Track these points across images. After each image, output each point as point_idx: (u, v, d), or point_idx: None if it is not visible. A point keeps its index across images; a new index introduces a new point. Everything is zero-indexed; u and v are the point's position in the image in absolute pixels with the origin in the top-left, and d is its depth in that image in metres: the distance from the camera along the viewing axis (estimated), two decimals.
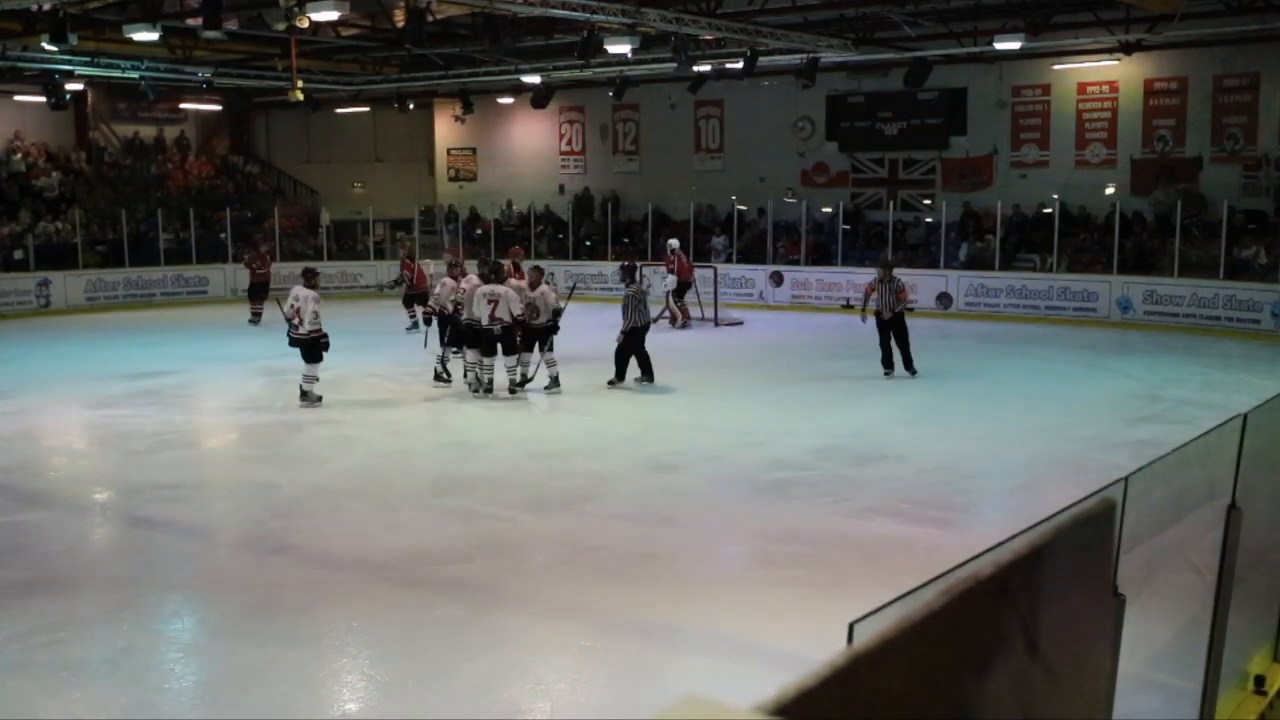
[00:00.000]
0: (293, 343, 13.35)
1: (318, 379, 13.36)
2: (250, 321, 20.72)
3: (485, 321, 13.42)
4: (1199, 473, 3.93)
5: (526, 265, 16.22)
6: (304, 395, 13.27)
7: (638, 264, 16.51)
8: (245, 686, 5.91)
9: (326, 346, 13.28)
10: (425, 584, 7.45)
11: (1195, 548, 4.03)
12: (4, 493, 9.87)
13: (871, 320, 15.03)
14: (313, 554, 8.11)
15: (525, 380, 13.97)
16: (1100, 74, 22.30)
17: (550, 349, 14.09)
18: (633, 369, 14.53)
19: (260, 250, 22.81)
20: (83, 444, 12.54)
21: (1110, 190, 22.25)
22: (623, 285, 15.72)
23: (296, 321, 13.22)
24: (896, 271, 15.68)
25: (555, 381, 14.12)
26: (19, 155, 26.96)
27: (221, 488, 10.46)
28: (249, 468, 11.09)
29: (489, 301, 13.39)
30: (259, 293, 20.83)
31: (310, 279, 13.47)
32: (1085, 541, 1.52)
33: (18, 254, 23.04)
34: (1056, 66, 22.53)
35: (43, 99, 22.87)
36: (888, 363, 14.98)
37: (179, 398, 14.33)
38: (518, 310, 13.36)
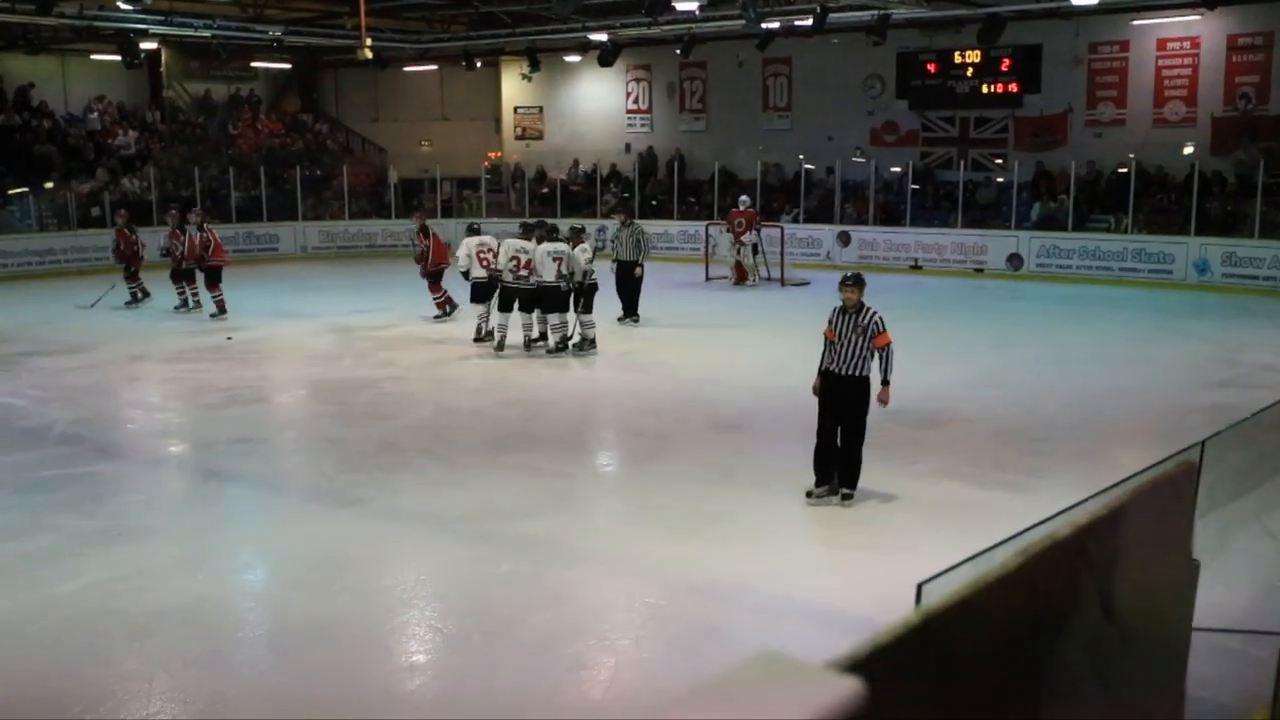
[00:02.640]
0: (532, 294, 13.60)
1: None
2: (128, 301, 17.63)
3: (551, 278, 13.49)
4: (1277, 438, 3.85)
5: (565, 225, 16.24)
6: (584, 344, 13.78)
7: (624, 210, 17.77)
8: (315, 636, 6.02)
9: (595, 288, 13.94)
10: (490, 539, 7.53)
11: (1272, 514, 3.95)
12: (83, 444, 10.11)
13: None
14: (380, 508, 8.23)
15: (567, 341, 13.98)
16: (1181, 29, 21.68)
17: (587, 310, 14.02)
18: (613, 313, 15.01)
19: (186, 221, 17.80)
20: (158, 397, 12.80)
21: (1189, 149, 21.68)
22: (615, 224, 16.91)
23: (525, 273, 13.52)
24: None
25: (589, 343, 14.06)
26: (95, 114, 27.42)
27: (291, 442, 10.63)
28: (318, 423, 11.26)
29: (554, 259, 13.47)
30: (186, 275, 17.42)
31: (541, 231, 13.82)
32: (1162, 505, 1.49)
33: (95, 211, 23.46)
34: (1136, 22, 21.94)
35: (118, 58, 23.21)
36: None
37: (250, 353, 14.55)
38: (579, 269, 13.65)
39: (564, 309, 13.81)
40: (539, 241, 13.76)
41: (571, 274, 13.66)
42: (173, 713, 5.34)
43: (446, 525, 7.82)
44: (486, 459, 9.47)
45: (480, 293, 14.40)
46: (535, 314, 13.87)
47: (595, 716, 5.19)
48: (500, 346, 13.92)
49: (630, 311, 16.12)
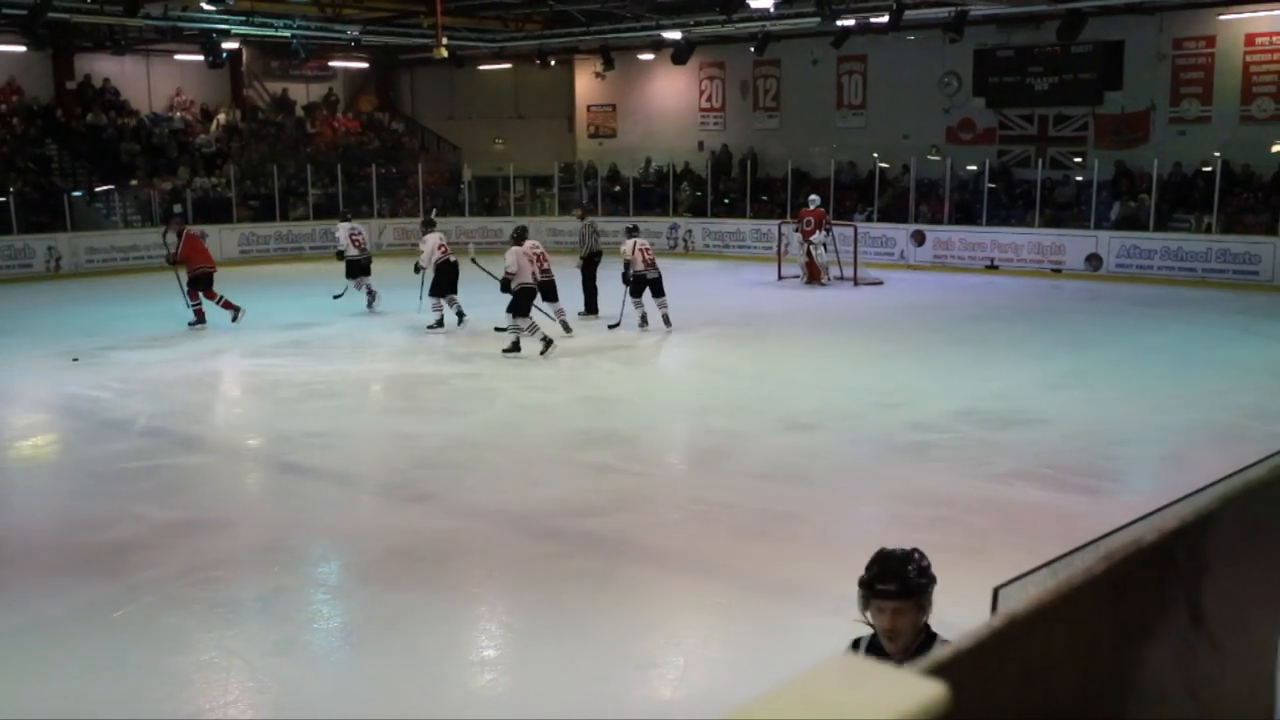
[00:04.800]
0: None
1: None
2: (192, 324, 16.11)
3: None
4: None
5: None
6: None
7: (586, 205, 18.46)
8: (388, 629, 6.09)
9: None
10: (561, 536, 7.56)
11: None
12: (164, 436, 10.33)
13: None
14: (452, 503, 8.30)
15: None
16: (1270, 24, 21.12)
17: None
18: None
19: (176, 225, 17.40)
20: (236, 392, 13.05)
21: (1277, 147, 21.15)
22: (577, 220, 17.71)
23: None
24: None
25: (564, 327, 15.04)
26: (179, 113, 28.02)
27: (366, 437, 10.76)
28: (392, 418, 11.39)
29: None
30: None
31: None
32: (1254, 511, 1.45)
33: (177, 208, 23.98)
34: (1222, 17, 21.44)
35: (200, 58, 23.71)
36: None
37: (326, 349, 14.77)
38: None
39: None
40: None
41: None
42: (250, 701, 5.44)
43: (517, 521, 7.87)
44: (557, 456, 9.52)
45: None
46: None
47: (666, 716, 5.19)
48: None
49: (591, 308, 16.73)
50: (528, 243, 14.32)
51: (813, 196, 21.18)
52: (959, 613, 4.73)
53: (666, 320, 15.36)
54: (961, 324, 16.26)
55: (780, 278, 21.06)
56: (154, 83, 28.19)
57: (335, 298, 17.33)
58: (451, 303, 15.82)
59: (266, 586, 6.68)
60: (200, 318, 15.98)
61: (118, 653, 5.79)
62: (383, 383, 13.25)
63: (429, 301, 15.85)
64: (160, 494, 8.52)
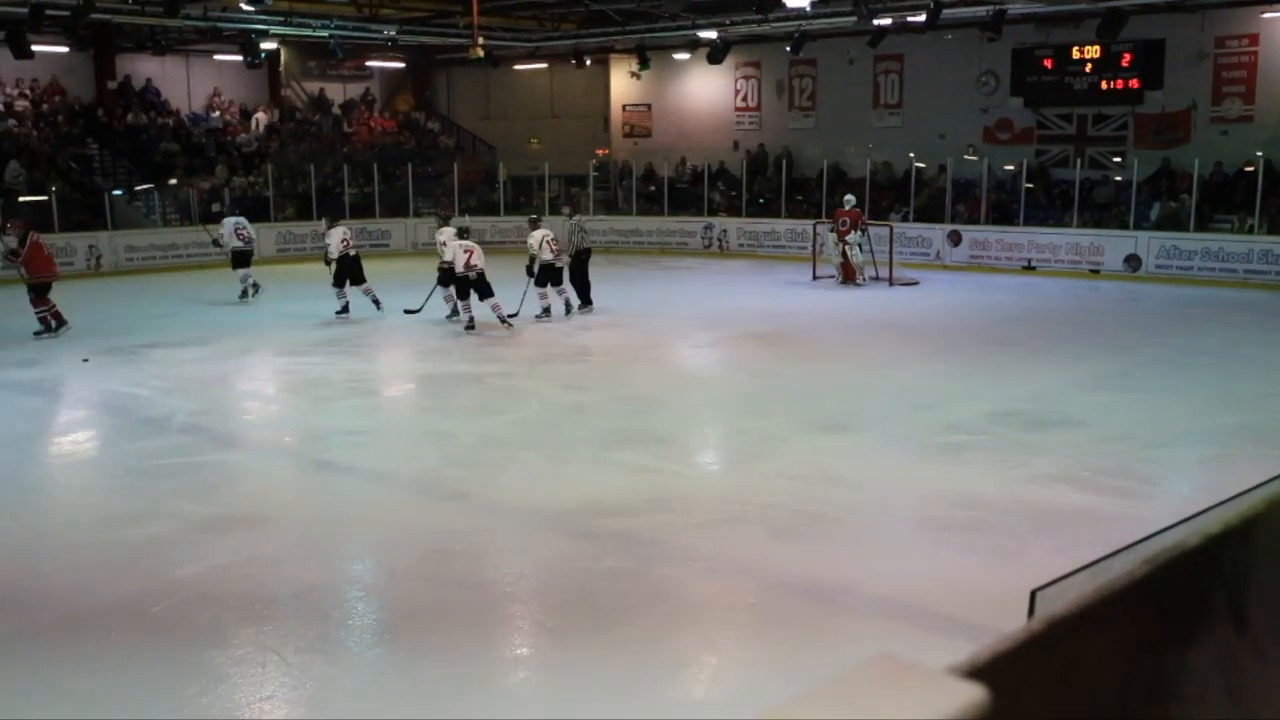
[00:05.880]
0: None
1: None
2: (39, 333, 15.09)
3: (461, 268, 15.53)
4: None
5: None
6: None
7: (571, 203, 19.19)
8: (422, 627, 6.11)
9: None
10: (594, 535, 7.56)
11: None
12: (203, 434, 10.43)
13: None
14: (486, 502, 8.33)
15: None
16: None
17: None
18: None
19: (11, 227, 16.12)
20: (273, 390, 13.15)
21: None
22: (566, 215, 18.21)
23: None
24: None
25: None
26: (217, 113, 28.28)
27: (401, 435, 10.82)
28: (427, 417, 11.45)
29: (465, 251, 15.58)
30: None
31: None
32: None
33: (215, 207, 24.18)
34: (1267, 15, 21.18)
35: (239, 58, 23.90)
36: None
37: (362, 347, 14.86)
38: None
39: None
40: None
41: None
42: (285, 696, 5.48)
43: (550, 520, 7.88)
44: (591, 455, 9.53)
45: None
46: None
47: (699, 716, 5.18)
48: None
49: (585, 300, 17.16)
50: (466, 240, 15.99)
51: (848, 197, 21.09)
52: (994, 615, 4.71)
53: (568, 306, 16.69)
54: (998, 325, 16.15)
55: (815, 278, 20.99)
56: (193, 83, 28.46)
57: (338, 314, 16.81)
58: (367, 293, 16.93)
59: (302, 583, 6.72)
60: (47, 326, 15.16)
61: (154, 647, 5.84)
62: (418, 381, 13.31)
63: (334, 291, 16.90)
64: (198, 490, 8.60)
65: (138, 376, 12.76)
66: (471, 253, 15.48)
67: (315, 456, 9.85)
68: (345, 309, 16.76)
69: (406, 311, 16.54)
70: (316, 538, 7.59)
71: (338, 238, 16.85)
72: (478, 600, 6.49)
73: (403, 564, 7.16)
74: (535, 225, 16.62)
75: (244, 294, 18.52)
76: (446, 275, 16.04)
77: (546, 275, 16.21)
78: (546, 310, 16.28)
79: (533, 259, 16.13)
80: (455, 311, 16.13)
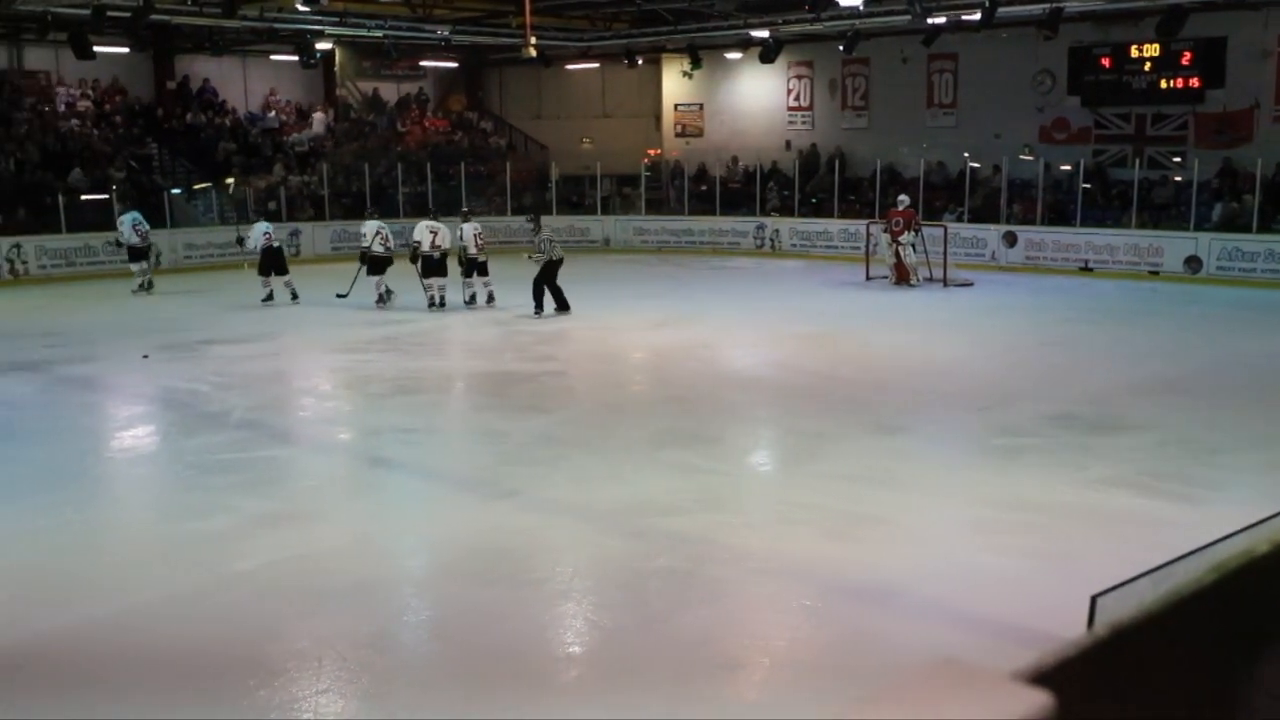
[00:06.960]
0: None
1: None
2: None
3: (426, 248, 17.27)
4: None
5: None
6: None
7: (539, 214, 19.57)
8: (475, 623, 6.15)
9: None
10: (645, 534, 7.57)
11: None
12: (259, 429, 10.56)
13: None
14: (537, 500, 8.36)
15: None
16: None
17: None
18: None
19: None
20: (328, 386, 13.28)
21: None
22: (531, 229, 17.91)
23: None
24: None
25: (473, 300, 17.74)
26: (273, 112, 28.61)
27: (454, 433, 10.89)
28: (480, 414, 11.51)
29: (430, 232, 17.26)
30: None
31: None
32: None
33: (271, 205, 24.47)
34: None
35: (295, 58, 24.16)
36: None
37: (415, 345, 14.97)
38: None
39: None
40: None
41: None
42: (341, 690, 5.53)
43: (602, 519, 7.90)
44: (642, 454, 9.53)
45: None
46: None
47: (752, 717, 5.17)
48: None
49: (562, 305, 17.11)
50: (427, 222, 17.71)
51: (902, 197, 20.95)
52: (1052, 620, 4.65)
53: (491, 297, 17.65)
54: (1054, 326, 15.96)
55: (868, 278, 20.87)
56: (250, 83, 28.82)
57: (340, 296, 18.11)
58: (288, 285, 18.22)
59: (356, 578, 6.78)
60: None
61: (215, 639, 5.92)
62: (471, 379, 13.39)
63: (260, 279, 18.29)
64: (254, 485, 8.71)
65: (197, 373, 12.94)
66: (436, 233, 17.22)
67: (369, 453, 9.94)
68: (271, 296, 18.15)
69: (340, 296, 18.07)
70: (370, 534, 7.66)
71: (372, 230, 17.82)
72: (530, 598, 6.52)
73: (455, 561, 7.21)
74: (466, 219, 17.92)
75: (378, 301, 18.24)
76: (426, 263, 17.42)
77: (470, 268, 17.59)
78: (472, 298, 17.69)
79: (463, 250, 17.50)
80: (470, 299, 17.90)
